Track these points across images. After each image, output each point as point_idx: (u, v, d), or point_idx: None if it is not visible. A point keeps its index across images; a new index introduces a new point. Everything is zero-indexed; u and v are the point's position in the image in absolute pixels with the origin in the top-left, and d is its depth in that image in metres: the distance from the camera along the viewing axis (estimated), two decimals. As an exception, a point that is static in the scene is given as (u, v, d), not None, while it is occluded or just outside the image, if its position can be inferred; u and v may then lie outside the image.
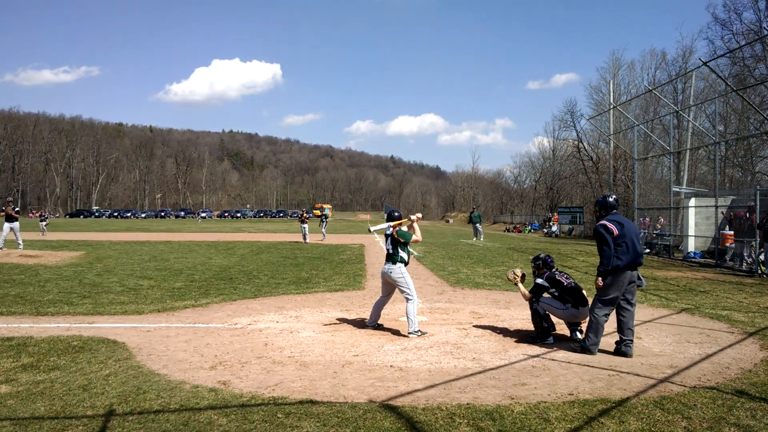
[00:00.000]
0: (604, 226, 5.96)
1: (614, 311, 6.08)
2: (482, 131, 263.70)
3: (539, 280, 6.90)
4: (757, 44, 28.21)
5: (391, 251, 7.14)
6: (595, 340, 5.98)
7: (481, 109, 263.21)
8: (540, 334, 6.67)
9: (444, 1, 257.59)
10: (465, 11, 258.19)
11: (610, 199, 6.28)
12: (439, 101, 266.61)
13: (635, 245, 5.93)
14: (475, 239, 29.47)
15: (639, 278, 6.09)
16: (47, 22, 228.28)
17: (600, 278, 5.91)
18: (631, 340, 5.98)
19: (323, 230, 28.30)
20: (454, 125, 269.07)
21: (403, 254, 7.11)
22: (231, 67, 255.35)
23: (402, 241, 7.08)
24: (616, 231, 5.90)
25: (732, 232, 17.33)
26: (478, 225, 30.08)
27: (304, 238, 25.65)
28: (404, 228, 7.26)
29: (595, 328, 5.97)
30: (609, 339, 6.72)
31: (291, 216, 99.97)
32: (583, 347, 6.06)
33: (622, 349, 5.98)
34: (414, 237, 7.18)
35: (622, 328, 6.00)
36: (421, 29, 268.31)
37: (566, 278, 6.81)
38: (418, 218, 7.38)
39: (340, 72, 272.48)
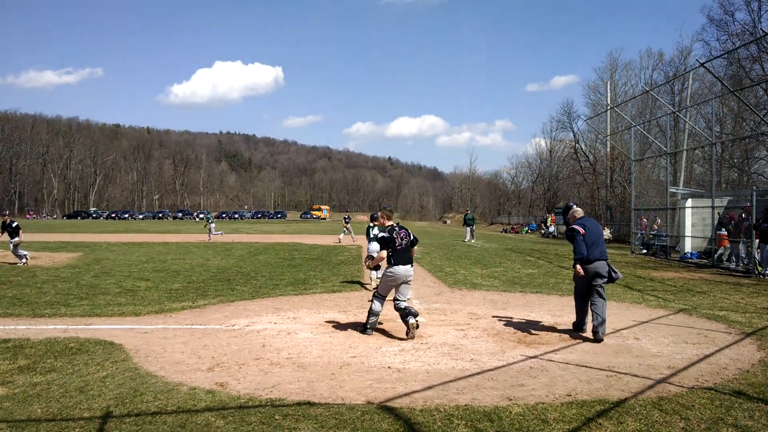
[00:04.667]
0: (573, 228, 7.18)
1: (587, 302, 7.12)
2: (482, 132, 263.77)
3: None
4: (752, 45, 28.29)
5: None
6: (580, 317, 7.22)
7: (481, 111, 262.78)
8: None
9: (444, 4, 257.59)
10: (466, 14, 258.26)
11: (574, 206, 7.62)
12: (439, 103, 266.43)
13: (597, 243, 7.04)
14: (468, 239, 29.64)
15: (614, 272, 7.09)
16: (50, 23, 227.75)
17: (579, 266, 6.96)
18: (601, 324, 6.78)
19: (212, 233, 29.34)
20: (454, 126, 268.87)
21: None
22: (233, 69, 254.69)
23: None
24: (582, 231, 7.07)
25: (726, 233, 17.36)
26: (472, 227, 30.19)
27: (207, 237, 27.90)
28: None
29: (576, 309, 7.26)
30: (607, 339, 6.74)
31: (303, 216, 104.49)
32: (576, 325, 7.26)
33: (593, 331, 6.85)
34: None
35: (593, 315, 6.88)
36: (422, 32, 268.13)
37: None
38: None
39: (341, 74, 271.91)
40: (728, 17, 32.03)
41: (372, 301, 7.21)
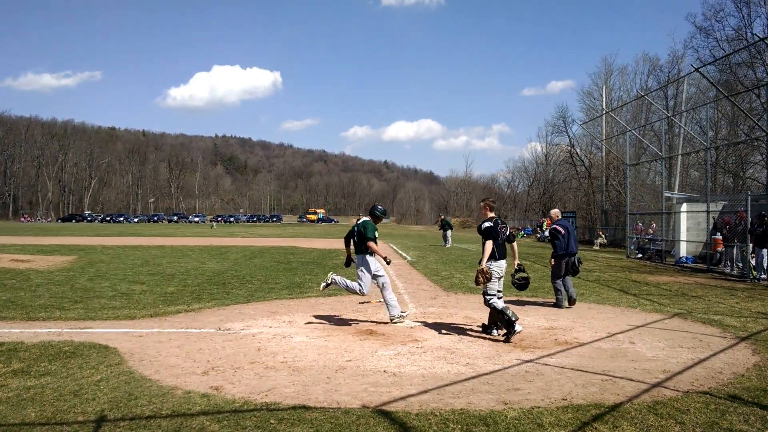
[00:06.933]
0: (556, 228, 9.82)
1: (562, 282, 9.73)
2: (478, 136, 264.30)
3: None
4: (744, 51, 28.45)
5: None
6: (559, 297, 9.61)
7: (478, 115, 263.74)
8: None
9: (442, 9, 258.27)
10: (462, 18, 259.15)
11: (556, 210, 10.73)
12: (437, 107, 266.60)
13: (571, 241, 9.72)
14: (448, 244, 29.16)
15: (578, 261, 9.92)
16: (49, 26, 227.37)
17: (553, 260, 9.69)
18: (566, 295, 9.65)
19: None
20: (451, 130, 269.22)
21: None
22: (231, 73, 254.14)
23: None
24: (563, 231, 9.70)
25: (720, 237, 17.43)
26: (449, 231, 29.70)
27: None
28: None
29: (556, 291, 9.67)
30: (603, 343, 6.75)
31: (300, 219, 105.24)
32: (557, 305, 9.57)
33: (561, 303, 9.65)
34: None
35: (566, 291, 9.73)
36: (419, 36, 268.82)
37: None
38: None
39: (338, 79, 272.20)
40: (716, 23, 32.28)
41: (490, 303, 6.98)
